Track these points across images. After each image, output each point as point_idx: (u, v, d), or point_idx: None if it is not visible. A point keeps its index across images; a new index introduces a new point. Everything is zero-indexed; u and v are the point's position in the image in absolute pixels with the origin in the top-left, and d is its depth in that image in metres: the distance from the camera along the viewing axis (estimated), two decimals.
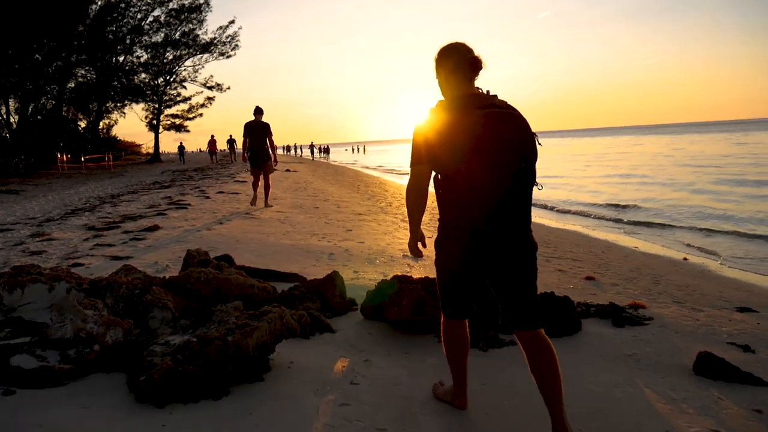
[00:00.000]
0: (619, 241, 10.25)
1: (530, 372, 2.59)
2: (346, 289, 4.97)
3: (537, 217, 13.40)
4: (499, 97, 2.59)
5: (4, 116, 41.92)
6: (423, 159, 2.63)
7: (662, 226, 12.28)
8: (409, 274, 5.20)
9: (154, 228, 8.64)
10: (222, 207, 11.75)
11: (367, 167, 44.79)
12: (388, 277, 4.71)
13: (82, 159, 35.25)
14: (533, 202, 2.56)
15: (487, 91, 2.62)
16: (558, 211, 15.36)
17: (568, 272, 6.87)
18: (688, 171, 26.04)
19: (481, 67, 2.61)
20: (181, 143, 54.35)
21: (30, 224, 9.73)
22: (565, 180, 24.59)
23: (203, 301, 4.20)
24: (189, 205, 12.00)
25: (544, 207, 15.84)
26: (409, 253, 3.19)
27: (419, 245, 3.06)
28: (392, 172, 36.03)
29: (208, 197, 13.68)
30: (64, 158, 35.07)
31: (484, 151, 2.43)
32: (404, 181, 26.71)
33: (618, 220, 13.32)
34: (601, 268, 7.32)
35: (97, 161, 37.84)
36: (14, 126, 41.98)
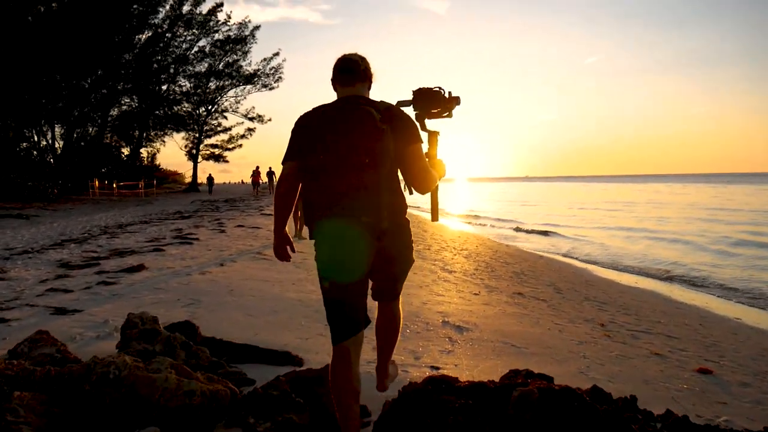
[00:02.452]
0: (713, 308, 8.25)
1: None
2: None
3: (592, 270, 11.50)
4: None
5: (50, 141, 41.94)
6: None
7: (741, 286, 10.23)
8: (453, 368, 3.46)
9: (138, 268, 7.04)
10: (233, 244, 10.14)
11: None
12: (421, 360, 3.15)
13: (114, 185, 34.43)
14: None
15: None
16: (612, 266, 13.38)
17: (670, 358, 4.97)
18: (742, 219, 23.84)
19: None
20: (210, 174, 53.80)
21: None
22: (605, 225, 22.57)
23: (105, 415, 2.49)
24: (197, 239, 10.44)
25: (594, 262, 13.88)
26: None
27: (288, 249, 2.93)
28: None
29: (223, 231, 12.12)
30: (96, 184, 34.27)
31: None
32: (447, 221, 25.39)
33: (687, 281, 11.26)
34: (712, 352, 5.39)
35: (131, 188, 37.05)
36: (59, 151, 41.97)
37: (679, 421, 2.65)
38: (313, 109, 2.65)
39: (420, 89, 2.83)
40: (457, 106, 2.89)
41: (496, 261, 11.09)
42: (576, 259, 13.76)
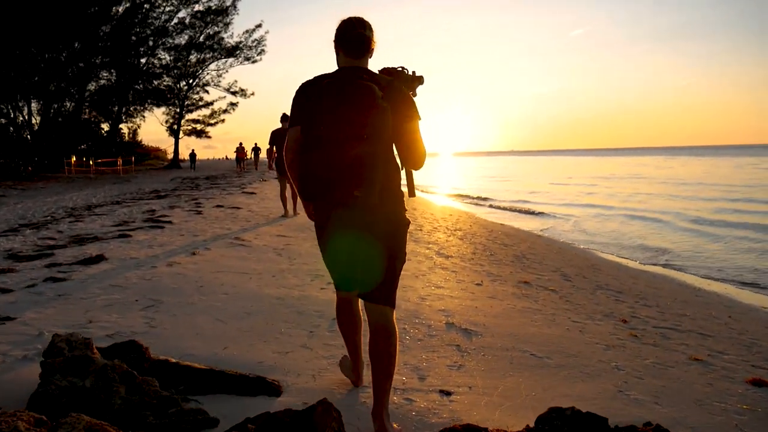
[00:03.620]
0: (733, 295, 7.55)
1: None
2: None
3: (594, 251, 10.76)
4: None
5: (26, 117, 40.59)
6: None
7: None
8: (467, 391, 2.71)
9: (96, 260, 6.20)
10: (209, 227, 9.29)
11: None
12: (427, 381, 3.26)
13: (90, 163, 33.24)
14: None
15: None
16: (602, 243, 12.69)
17: (713, 366, 4.24)
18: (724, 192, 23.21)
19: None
20: (192, 150, 52.93)
21: None
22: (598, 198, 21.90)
23: None
24: (169, 222, 9.57)
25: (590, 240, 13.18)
26: None
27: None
28: (423, 190, 33.40)
29: (199, 212, 11.24)
30: (73, 161, 33.05)
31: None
32: (435, 199, 24.58)
33: (685, 264, 10.59)
34: (756, 354, 4.67)
35: (109, 165, 35.87)
36: (36, 128, 40.65)
37: None
38: (316, 78, 2.68)
39: (384, 68, 2.77)
40: (420, 86, 2.85)
41: (493, 242, 10.34)
42: (560, 236, 13.08)
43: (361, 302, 2.90)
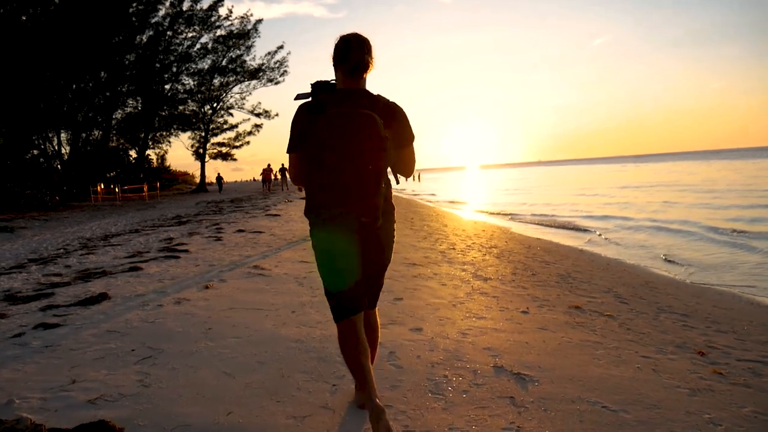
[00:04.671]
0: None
1: None
2: None
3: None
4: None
5: (56, 148, 40.98)
6: None
7: None
8: None
9: (98, 299, 5.61)
10: (227, 255, 8.68)
11: (415, 194, 41.87)
12: None
13: (116, 190, 33.17)
14: None
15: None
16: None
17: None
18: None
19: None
20: (218, 174, 53.38)
21: None
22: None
23: None
24: (186, 251, 8.99)
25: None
26: None
27: None
28: (452, 203, 32.60)
29: (219, 239, 10.66)
30: (99, 189, 33.02)
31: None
32: (465, 214, 23.82)
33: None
34: None
35: (135, 192, 35.81)
36: (65, 157, 41.03)
37: None
38: (316, 102, 2.68)
39: (317, 82, 2.80)
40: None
41: (532, 260, 9.56)
42: (602, 250, 12.21)
43: None
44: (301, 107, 2.70)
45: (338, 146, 2.55)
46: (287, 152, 2.75)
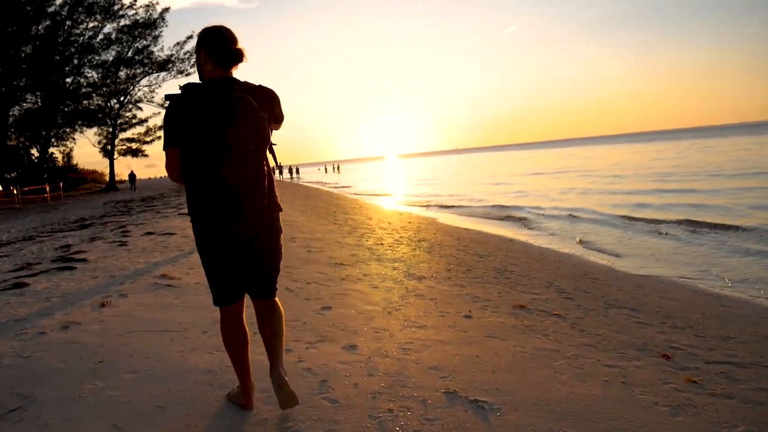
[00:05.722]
0: (755, 299, 6.45)
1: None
2: None
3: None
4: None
5: None
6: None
7: None
8: None
9: None
10: (132, 262, 7.75)
11: (336, 186, 41.14)
12: None
13: (14, 191, 30.81)
14: None
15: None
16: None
17: None
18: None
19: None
20: (131, 171, 51.07)
21: None
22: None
23: None
24: (84, 260, 7.98)
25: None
26: None
27: None
28: (374, 195, 32.03)
29: (124, 244, 9.63)
30: None
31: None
32: (388, 205, 23.28)
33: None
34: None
35: (37, 193, 33.41)
36: None
37: None
38: (185, 93, 2.65)
39: (187, 84, 2.69)
40: None
41: (465, 253, 9.09)
42: (528, 234, 11.95)
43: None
44: (173, 101, 2.65)
45: (218, 132, 2.55)
46: (164, 149, 2.70)
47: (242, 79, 2.77)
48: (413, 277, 6.83)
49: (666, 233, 11.67)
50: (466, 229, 13.56)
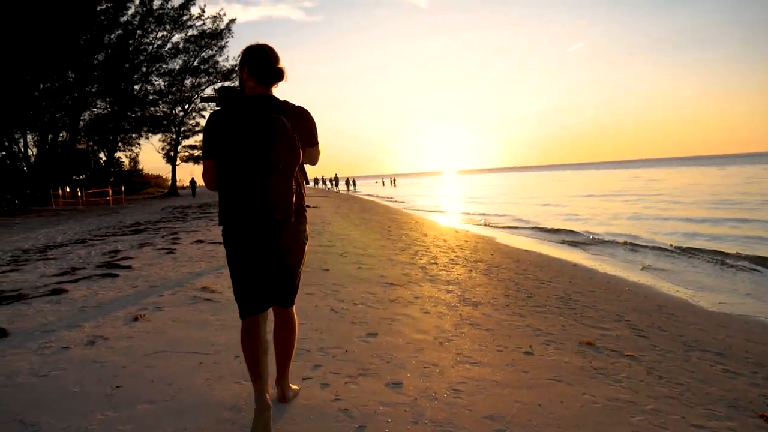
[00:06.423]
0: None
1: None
2: None
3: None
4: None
5: (23, 150, 39.35)
6: None
7: None
8: None
9: None
10: (176, 272, 7.48)
11: (393, 200, 40.79)
12: None
13: (79, 194, 31.61)
14: None
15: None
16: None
17: None
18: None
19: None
20: (192, 178, 51.88)
21: None
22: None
23: None
24: (128, 268, 7.77)
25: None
26: None
27: None
28: (431, 210, 31.51)
29: (172, 251, 9.44)
30: (61, 193, 31.42)
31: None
32: (444, 221, 22.72)
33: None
34: None
35: (100, 196, 34.24)
36: (32, 159, 39.44)
37: None
38: (227, 109, 2.76)
39: (222, 87, 2.85)
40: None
41: (525, 278, 8.49)
42: (590, 262, 11.20)
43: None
44: (213, 115, 2.77)
45: (252, 149, 2.63)
46: (202, 159, 2.83)
47: (283, 98, 2.88)
48: (468, 303, 6.31)
49: (738, 266, 10.74)
50: (526, 250, 12.91)
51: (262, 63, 2.79)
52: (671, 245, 13.62)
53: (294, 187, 2.77)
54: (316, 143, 2.98)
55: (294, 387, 3.40)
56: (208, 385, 3.52)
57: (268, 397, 2.87)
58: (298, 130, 2.79)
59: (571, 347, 4.80)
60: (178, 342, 4.41)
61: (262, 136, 2.63)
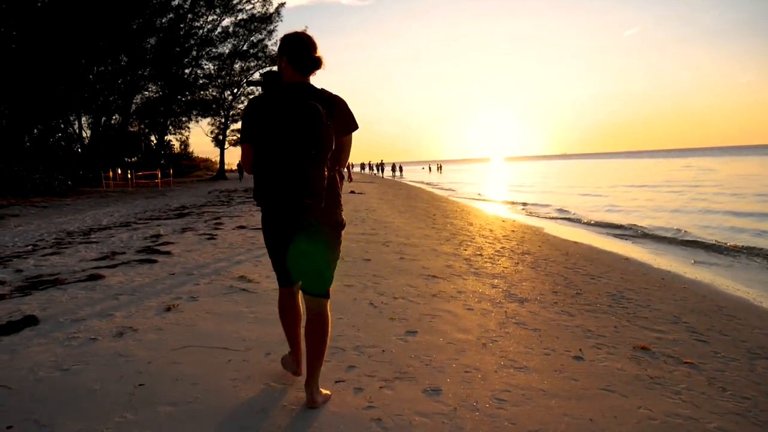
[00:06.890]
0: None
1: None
2: None
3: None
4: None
5: (77, 131, 40.31)
6: None
7: None
8: None
9: (18, 326, 4.30)
10: (215, 259, 7.37)
11: (440, 187, 40.38)
12: None
13: (129, 176, 32.18)
14: None
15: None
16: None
17: None
18: None
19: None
20: (239, 161, 52.23)
21: None
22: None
23: None
24: (168, 253, 7.69)
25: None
26: None
27: None
28: (477, 198, 31.01)
29: (213, 237, 9.35)
30: (111, 174, 32.04)
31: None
32: (490, 209, 22.29)
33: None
34: None
35: (150, 178, 34.83)
36: (86, 141, 40.36)
37: None
38: (265, 96, 2.86)
39: (268, 71, 2.95)
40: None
41: (574, 272, 8.09)
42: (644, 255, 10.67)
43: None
44: (251, 101, 2.90)
45: (286, 135, 2.68)
46: (239, 143, 3.01)
47: (321, 86, 2.92)
48: (514, 299, 5.99)
49: None
50: (575, 242, 12.43)
51: (300, 52, 2.85)
52: (724, 242, 12.92)
53: (326, 173, 2.80)
54: (349, 132, 3.01)
55: (325, 392, 3.19)
56: (234, 386, 3.31)
57: (301, 368, 3.36)
58: (333, 118, 2.80)
59: (624, 352, 4.46)
60: (207, 336, 4.23)
61: (297, 122, 2.67)
